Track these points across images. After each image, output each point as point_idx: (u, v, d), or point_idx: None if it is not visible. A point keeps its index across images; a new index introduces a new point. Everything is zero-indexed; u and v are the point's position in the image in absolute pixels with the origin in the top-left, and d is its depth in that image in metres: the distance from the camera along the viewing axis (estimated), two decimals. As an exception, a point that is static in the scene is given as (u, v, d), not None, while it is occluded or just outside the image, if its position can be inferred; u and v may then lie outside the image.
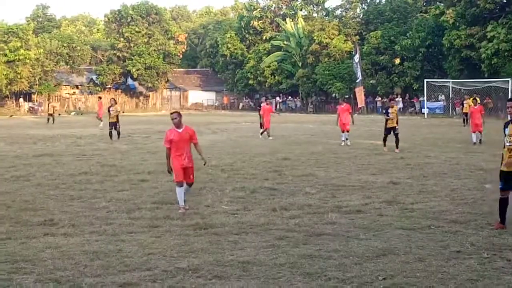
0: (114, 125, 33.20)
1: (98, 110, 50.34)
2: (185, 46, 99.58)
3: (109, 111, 33.57)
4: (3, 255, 9.51)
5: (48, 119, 53.25)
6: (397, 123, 25.64)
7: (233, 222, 11.78)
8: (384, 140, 25.85)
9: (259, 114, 37.81)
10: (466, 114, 40.56)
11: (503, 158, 11.35)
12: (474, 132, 29.17)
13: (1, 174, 19.37)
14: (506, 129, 11.27)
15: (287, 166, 20.81)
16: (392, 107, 26.08)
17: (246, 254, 9.42)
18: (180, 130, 13.13)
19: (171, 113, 13.36)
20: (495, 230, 10.87)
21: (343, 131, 29.33)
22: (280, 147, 28.02)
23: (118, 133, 33.43)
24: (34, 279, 8.33)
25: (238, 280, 8.22)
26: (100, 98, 55.43)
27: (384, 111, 27.54)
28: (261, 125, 37.20)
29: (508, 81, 55.70)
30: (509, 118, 11.59)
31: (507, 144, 11.19)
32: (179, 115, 13.34)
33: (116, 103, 34.62)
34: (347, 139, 29.03)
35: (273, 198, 14.45)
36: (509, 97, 52.91)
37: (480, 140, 29.02)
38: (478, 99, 33.35)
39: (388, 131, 25.64)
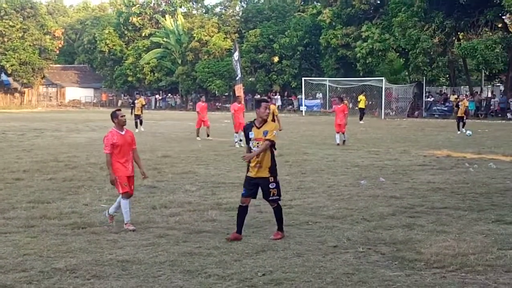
0: None
1: None
2: (62, 42, 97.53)
3: None
4: None
5: None
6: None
7: (112, 221, 11.63)
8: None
9: (132, 110, 37.31)
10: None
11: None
12: (337, 132, 27.71)
13: None
14: (250, 133, 10.36)
15: (167, 164, 20.72)
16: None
17: (126, 253, 9.32)
18: (123, 133, 11.52)
19: (117, 111, 11.81)
20: (272, 238, 10.29)
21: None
22: (159, 144, 27.86)
23: None
24: None
25: (117, 280, 8.12)
26: None
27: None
28: (138, 123, 36.31)
29: (382, 80, 57.55)
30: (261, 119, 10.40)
31: (254, 149, 10.29)
32: None
33: None
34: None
35: (152, 196, 14.36)
36: (383, 95, 54.70)
37: (344, 141, 27.72)
38: (345, 99, 32.61)
39: None
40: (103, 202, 13.52)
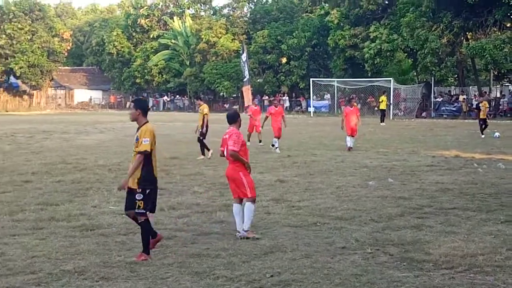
0: None
1: None
2: (70, 44, 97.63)
3: None
4: None
5: None
6: (202, 126, 23.50)
7: (120, 223, 11.63)
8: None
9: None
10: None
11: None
12: (349, 135, 25.88)
13: None
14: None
15: (175, 165, 20.74)
16: (200, 105, 24.41)
17: (134, 255, 9.31)
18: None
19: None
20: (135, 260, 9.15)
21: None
22: (168, 146, 27.85)
23: None
24: None
25: (126, 281, 8.13)
26: None
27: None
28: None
29: (390, 80, 57.52)
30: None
31: (132, 155, 9.56)
32: None
33: None
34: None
35: (161, 198, 14.26)
36: (391, 96, 54.46)
37: (350, 147, 25.80)
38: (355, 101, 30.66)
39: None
40: (111, 204, 13.52)
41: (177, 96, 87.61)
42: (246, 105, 70.72)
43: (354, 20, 63.51)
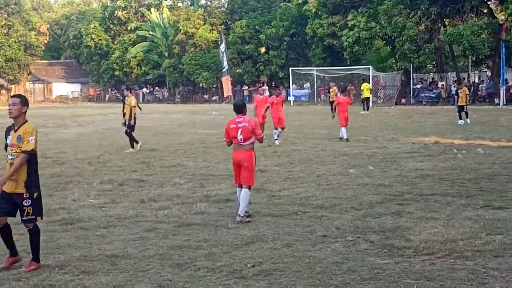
0: None
1: None
2: (47, 37, 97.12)
3: None
4: None
5: None
6: (130, 118, 23.00)
7: (100, 216, 11.58)
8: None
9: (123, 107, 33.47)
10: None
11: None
12: (344, 126, 24.86)
13: None
14: (8, 137, 8.73)
15: (155, 157, 20.69)
16: (128, 96, 23.42)
17: (115, 248, 9.29)
18: None
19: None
20: (24, 270, 8.43)
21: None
22: (147, 138, 27.77)
23: None
24: None
25: (107, 275, 8.09)
26: None
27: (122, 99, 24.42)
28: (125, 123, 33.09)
29: (369, 68, 57.63)
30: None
31: (9, 157, 8.56)
32: None
33: None
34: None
35: (141, 190, 14.33)
36: (370, 83, 54.53)
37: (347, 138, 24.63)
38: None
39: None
40: (91, 197, 13.46)
41: (156, 87, 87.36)
42: (225, 95, 70.74)
43: (332, 8, 63.53)
